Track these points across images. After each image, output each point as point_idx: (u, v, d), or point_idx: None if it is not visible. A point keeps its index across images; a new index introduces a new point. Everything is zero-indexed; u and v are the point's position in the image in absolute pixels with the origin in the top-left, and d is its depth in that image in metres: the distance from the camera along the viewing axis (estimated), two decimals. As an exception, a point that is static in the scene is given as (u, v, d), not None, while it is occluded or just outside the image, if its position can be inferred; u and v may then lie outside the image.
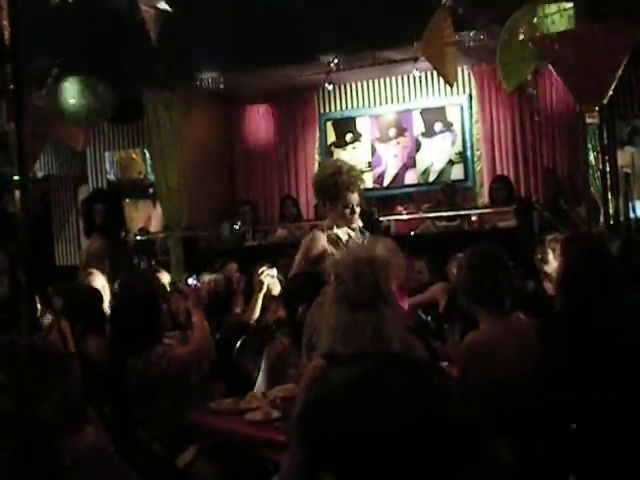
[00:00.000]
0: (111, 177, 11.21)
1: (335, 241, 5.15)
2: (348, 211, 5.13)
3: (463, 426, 1.30)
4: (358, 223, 5.24)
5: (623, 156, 8.93)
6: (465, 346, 3.70)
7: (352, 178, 5.12)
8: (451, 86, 8.26)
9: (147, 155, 10.79)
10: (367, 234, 5.32)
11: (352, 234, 5.24)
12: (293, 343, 4.34)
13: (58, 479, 1.65)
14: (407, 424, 1.25)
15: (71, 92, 8.77)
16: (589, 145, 7.13)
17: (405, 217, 9.61)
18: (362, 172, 5.51)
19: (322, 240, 5.15)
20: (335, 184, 5.08)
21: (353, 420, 1.27)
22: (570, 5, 7.07)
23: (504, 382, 3.47)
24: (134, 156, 11.24)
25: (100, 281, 6.11)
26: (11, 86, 2.67)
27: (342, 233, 5.21)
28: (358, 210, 5.18)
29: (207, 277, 6.08)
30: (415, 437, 1.24)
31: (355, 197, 5.14)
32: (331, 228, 5.18)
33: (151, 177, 10.70)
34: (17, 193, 2.76)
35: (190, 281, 4.95)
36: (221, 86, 9.59)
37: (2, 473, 1.60)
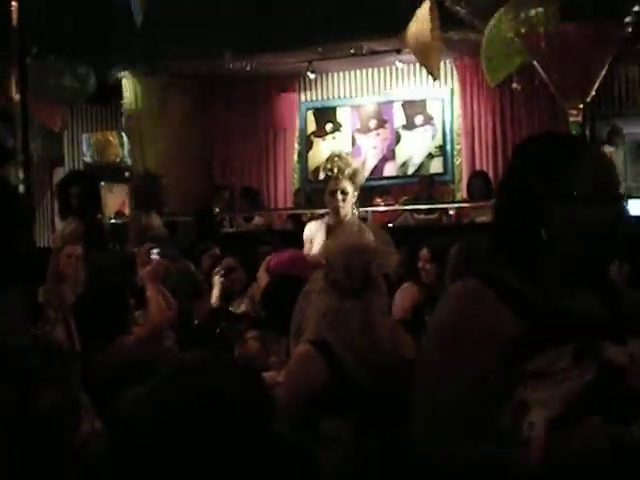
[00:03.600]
0: (88, 159, 11.12)
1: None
2: (333, 199, 5.10)
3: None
4: (348, 213, 5.17)
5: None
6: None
7: (336, 165, 5.09)
8: (435, 80, 8.25)
9: (124, 138, 10.70)
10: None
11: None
12: (273, 337, 4.23)
13: (60, 473, 1.63)
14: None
15: (51, 71, 8.67)
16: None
17: (383, 209, 9.61)
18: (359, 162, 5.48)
19: (307, 232, 5.37)
20: (325, 171, 5.12)
21: None
22: (555, 3, 7.09)
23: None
24: (111, 138, 11.16)
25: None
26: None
27: (320, 226, 5.26)
28: (347, 199, 5.10)
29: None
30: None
31: (340, 185, 5.09)
32: (323, 218, 5.31)
33: (127, 161, 10.63)
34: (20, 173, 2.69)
35: (153, 255, 4.69)
36: (202, 70, 9.54)
37: (3, 466, 1.58)
